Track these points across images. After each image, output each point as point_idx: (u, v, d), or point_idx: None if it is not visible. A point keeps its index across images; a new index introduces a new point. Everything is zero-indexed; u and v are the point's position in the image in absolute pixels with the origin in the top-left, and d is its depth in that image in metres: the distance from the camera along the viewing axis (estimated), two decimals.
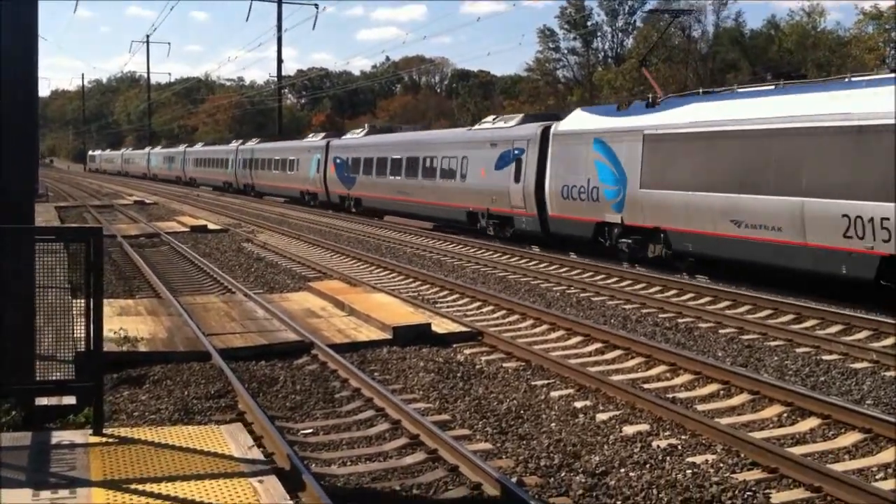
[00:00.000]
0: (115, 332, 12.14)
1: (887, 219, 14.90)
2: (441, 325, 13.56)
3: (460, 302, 16.57)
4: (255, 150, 56.22)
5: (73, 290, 17.28)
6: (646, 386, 10.62)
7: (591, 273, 20.20)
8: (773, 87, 19.51)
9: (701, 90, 21.95)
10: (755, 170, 17.96)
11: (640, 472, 7.71)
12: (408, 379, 10.96)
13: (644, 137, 21.15)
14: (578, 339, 13.19)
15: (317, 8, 64.16)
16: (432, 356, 12.03)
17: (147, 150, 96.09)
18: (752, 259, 18.34)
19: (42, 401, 7.72)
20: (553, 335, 13.58)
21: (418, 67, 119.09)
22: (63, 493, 4.74)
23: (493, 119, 30.80)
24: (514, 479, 7.43)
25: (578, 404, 9.79)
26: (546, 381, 10.80)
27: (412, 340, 12.68)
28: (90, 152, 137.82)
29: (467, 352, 12.39)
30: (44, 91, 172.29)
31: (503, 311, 15.38)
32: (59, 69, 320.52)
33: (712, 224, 18.93)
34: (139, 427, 7.83)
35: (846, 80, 17.67)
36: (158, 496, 4.73)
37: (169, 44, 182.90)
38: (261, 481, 4.95)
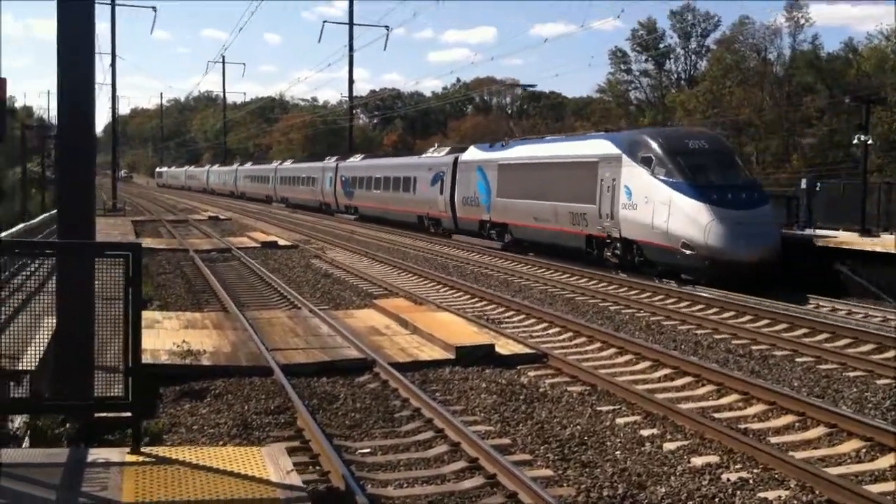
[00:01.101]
0: (178, 346, 12.17)
1: (585, 214, 25.86)
2: (505, 346, 13.31)
3: (526, 323, 16.30)
4: (289, 169, 67.26)
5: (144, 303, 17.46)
6: (716, 415, 10.22)
7: (661, 297, 19.75)
8: (561, 137, 33.86)
9: (526, 136, 37.92)
10: (540, 186, 28.79)
11: None
12: (469, 400, 10.74)
13: (498, 166, 32.33)
14: (647, 364, 12.81)
15: (387, 29, 64.47)
16: (495, 377, 11.78)
17: (206, 167, 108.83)
18: (543, 240, 28.93)
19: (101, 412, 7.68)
20: (621, 359, 13.23)
21: (489, 88, 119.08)
22: None
23: (432, 150, 42.21)
24: None
25: (645, 432, 9.46)
26: (612, 407, 10.47)
27: (475, 361, 12.46)
28: (158, 169, 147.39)
29: (531, 374, 12.11)
30: (123, 109, 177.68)
31: (570, 334, 15.07)
32: (138, 88, 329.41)
33: (526, 219, 29.81)
34: (178, 446, 7.75)
35: (581, 134, 33.02)
36: None
37: (244, 64, 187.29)
38: None
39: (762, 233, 21.45)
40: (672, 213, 21.85)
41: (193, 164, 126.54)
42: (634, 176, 23.42)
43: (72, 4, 8.98)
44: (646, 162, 23.22)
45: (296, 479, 5.27)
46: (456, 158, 36.50)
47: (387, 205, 44.29)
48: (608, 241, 24.87)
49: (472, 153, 35.53)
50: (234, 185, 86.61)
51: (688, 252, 21.44)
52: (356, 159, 52.47)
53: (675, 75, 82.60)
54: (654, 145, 23.36)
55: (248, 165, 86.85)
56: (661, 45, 79.43)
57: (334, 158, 56.59)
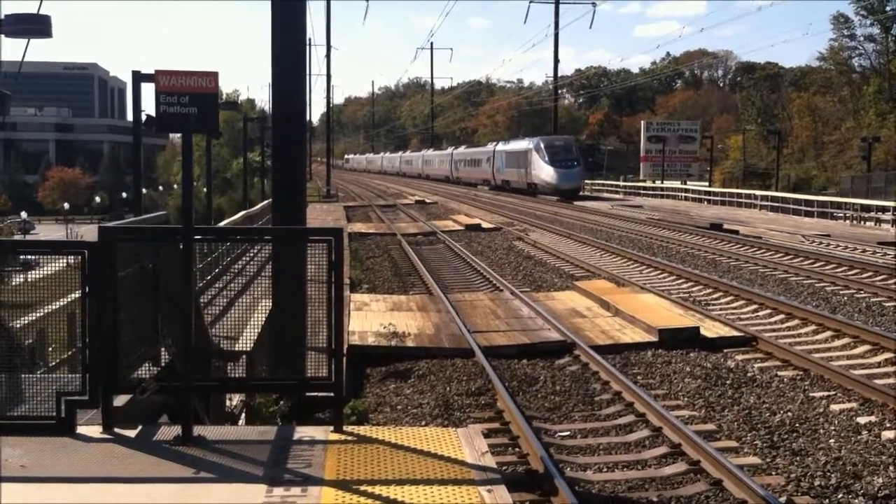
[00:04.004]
0: (384, 327, 12.57)
1: (524, 173, 57.86)
2: (711, 329, 12.90)
3: (734, 305, 15.72)
4: (428, 154, 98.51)
5: (352, 285, 18.16)
6: None
7: (883, 276, 18.53)
8: (517, 139, 68.46)
9: (512, 139, 74.45)
10: (514, 162, 60.59)
11: None
12: (672, 384, 10.50)
13: (505, 153, 63.45)
14: (866, 347, 12.07)
15: (594, 6, 63.89)
16: (700, 361, 11.46)
17: (381, 154, 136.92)
18: (518, 187, 59.46)
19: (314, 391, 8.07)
20: (837, 343, 12.53)
21: (699, 61, 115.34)
22: (295, 490, 4.83)
23: (489, 143, 71.97)
24: (782, 499, 6.87)
25: (862, 419, 8.93)
26: (826, 393, 9.95)
27: (679, 344, 12.15)
28: (346, 155, 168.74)
29: (739, 358, 11.69)
30: (338, 98, 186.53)
31: (781, 316, 14.41)
32: (352, 77, 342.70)
33: (512, 178, 61.47)
34: (378, 426, 8.00)
35: (524, 138, 65.22)
36: (385, 499, 4.70)
37: (451, 49, 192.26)
38: (489, 490, 4.79)
39: (575, 178, 53.12)
40: (544, 172, 52.79)
41: (394, 150, 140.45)
42: (535, 157, 54.05)
43: (285, 3, 9.51)
44: (538, 150, 53.62)
45: (490, 461, 5.33)
46: (495, 148, 66.08)
47: (470, 174, 74.53)
48: (531, 184, 55.38)
49: (500, 146, 65.43)
50: (399, 168, 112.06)
51: (548, 186, 52.46)
52: (462, 148, 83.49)
53: None
54: (542, 143, 54.03)
55: (407, 152, 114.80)
56: (889, 8, 73.92)
57: (451, 148, 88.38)
